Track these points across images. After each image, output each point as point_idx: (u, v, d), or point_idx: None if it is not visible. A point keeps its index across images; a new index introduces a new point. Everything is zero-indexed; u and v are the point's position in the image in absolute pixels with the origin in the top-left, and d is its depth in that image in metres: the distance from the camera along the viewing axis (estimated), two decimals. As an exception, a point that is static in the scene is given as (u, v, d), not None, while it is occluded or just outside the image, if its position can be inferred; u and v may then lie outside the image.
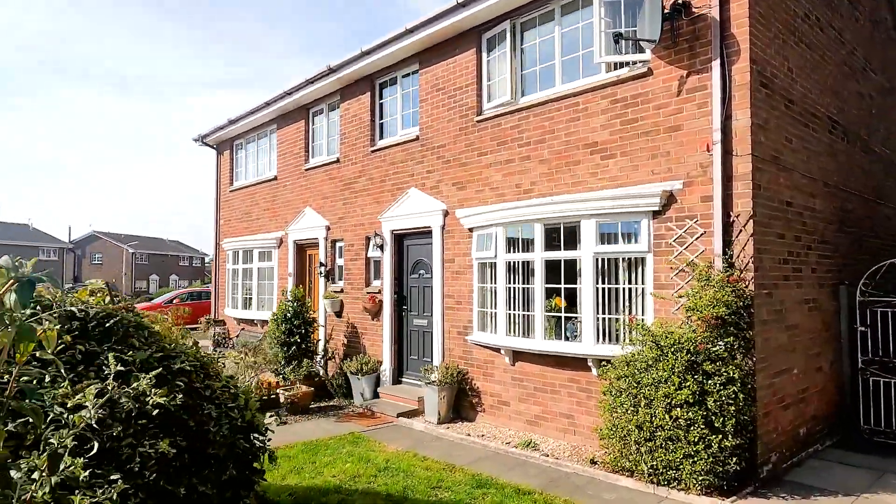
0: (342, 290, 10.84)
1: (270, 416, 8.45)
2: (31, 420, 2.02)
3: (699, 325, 5.42)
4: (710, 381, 5.18)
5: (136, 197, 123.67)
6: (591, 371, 6.67)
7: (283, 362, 9.81)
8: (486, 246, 7.95)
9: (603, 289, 6.66)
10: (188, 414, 3.99)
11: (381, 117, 10.40)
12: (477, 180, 8.32)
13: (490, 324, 7.94)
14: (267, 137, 13.77)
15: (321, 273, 11.21)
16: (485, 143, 8.22)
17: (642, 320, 6.15)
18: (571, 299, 6.93)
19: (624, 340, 6.21)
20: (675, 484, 5.34)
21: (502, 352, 7.74)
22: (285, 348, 9.85)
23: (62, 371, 3.09)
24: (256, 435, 4.60)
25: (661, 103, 6.29)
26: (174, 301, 22.98)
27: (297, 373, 9.51)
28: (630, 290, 6.51)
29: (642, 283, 6.42)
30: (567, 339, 6.98)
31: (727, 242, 5.70)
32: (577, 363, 6.88)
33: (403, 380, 9.65)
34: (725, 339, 5.38)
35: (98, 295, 4.38)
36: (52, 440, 2.47)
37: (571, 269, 6.93)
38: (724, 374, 5.17)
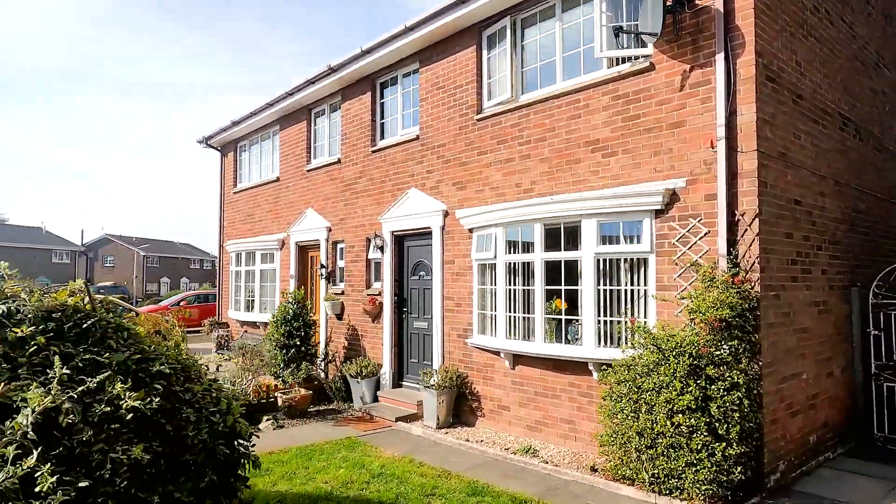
0: (343, 293, 10.71)
1: (267, 420, 8.33)
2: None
3: (702, 328, 5.21)
4: (713, 387, 4.96)
5: (149, 200, 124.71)
6: (592, 375, 6.47)
7: (281, 365, 9.69)
8: (486, 247, 7.78)
9: (604, 290, 6.46)
10: (166, 418, 3.85)
11: (382, 117, 10.27)
12: (477, 180, 8.15)
13: (490, 326, 7.76)
14: (270, 139, 13.70)
15: (322, 275, 11.09)
16: (485, 142, 8.05)
17: (644, 323, 5.95)
18: (573, 301, 6.73)
19: (624, 344, 6.00)
20: (678, 493, 5.12)
21: (502, 355, 7.56)
22: (284, 351, 9.72)
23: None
24: (241, 440, 4.46)
25: (663, 99, 6.10)
26: (181, 303, 22.98)
27: (295, 376, 9.38)
28: (632, 291, 6.31)
29: (644, 285, 6.21)
30: (568, 342, 6.78)
31: (732, 242, 5.49)
32: (577, 367, 6.68)
33: (404, 383, 9.48)
34: (730, 343, 5.16)
35: (78, 295, 4.26)
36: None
37: (572, 271, 6.74)
38: (728, 378, 4.96)
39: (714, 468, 4.89)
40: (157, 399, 3.79)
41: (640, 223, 6.20)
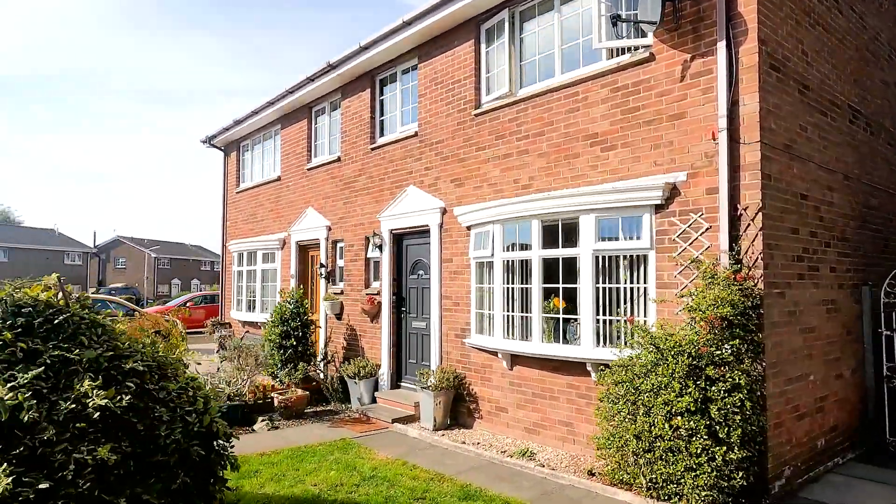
0: (342, 292, 10.57)
1: (262, 421, 8.20)
2: None
3: (702, 327, 5.00)
4: (713, 388, 4.75)
5: (162, 202, 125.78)
6: (591, 376, 6.26)
7: (278, 365, 9.56)
8: (483, 244, 7.60)
9: (603, 289, 6.25)
10: (138, 417, 3.71)
11: (382, 114, 10.13)
12: (475, 176, 7.98)
13: (488, 326, 7.58)
14: (272, 139, 13.62)
15: (321, 274, 10.96)
16: (483, 138, 7.88)
17: (644, 322, 5.74)
18: (571, 300, 6.53)
19: (621, 343, 5.79)
20: (676, 499, 4.90)
21: (500, 355, 7.37)
22: (281, 351, 9.60)
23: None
24: (222, 441, 4.32)
25: (663, 90, 5.89)
26: (187, 304, 23.00)
27: (292, 376, 9.25)
28: (631, 289, 6.10)
29: (644, 283, 6.00)
30: (566, 342, 6.58)
31: (734, 238, 5.27)
32: (575, 368, 6.47)
33: (402, 384, 9.32)
34: (731, 343, 4.94)
35: (52, 290, 4.14)
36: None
37: (571, 269, 6.54)
38: (729, 380, 4.73)
39: (714, 473, 4.67)
40: (128, 397, 3.66)
41: (639, 219, 5.99)
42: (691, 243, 5.58)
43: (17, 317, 3.78)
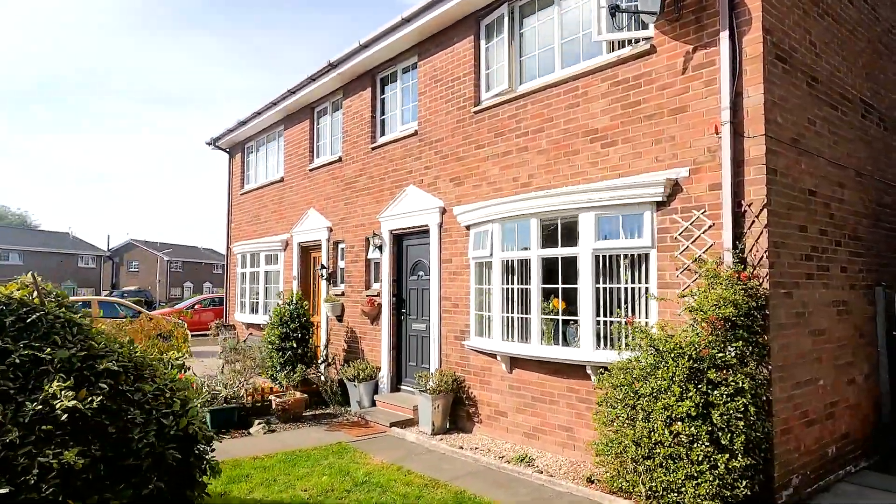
0: (343, 294, 10.44)
1: (259, 424, 8.06)
2: None
3: (703, 328, 4.78)
4: (715, 392, 4.53)
5: (175, 205, 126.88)
6: (591, 379, 6.05)
7: (277, 367, 9.44)
8: (482, 244, 7.42)
9: (603, 289, 6.05)
10: (110, 419, 3.58)
11: (383, 113, 10.00)
12: (474, 175, 7.81)
13: (487, 328, 7.39)
14: (276, 140, 13.56)
15: (322, 275, 10.84)
16: (482, 135, 7.72)
17: (646, 323, 5.54)
18: (572, 301, 6.33)
19: (622, 345, 5.58)
20: (678, 509, 4.68)
21: (498, 358, 7.18)
22: (280, 353, 9.48)
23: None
24: (203, 445, 4.18)
25: (665, 83, 5.69)
26: (195, 306, 23.02)
27: (290, 378, 9.12)
28: (632, 290, 5.89)
29: (646, 283, 5.79)
30: (566, 344, 6.38)
31: (738, 235, 5.05)
32: (575, 371, 6.27)
33: (402, 387, 9.15)
34: (734, 345, 4.72)
35: (28, 288, 4.03)
36: None
37: (570, 269, 6.34)
38: (732, 384, 4.51)
39: (717, 482, 4.45)
40: (100, 399, 3.53)
41: (640, 216, 5.79)
42: (694, 241, 5.37)
43: (-12, 315, 3.67)
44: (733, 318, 4.70)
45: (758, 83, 5.00)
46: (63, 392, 3.39)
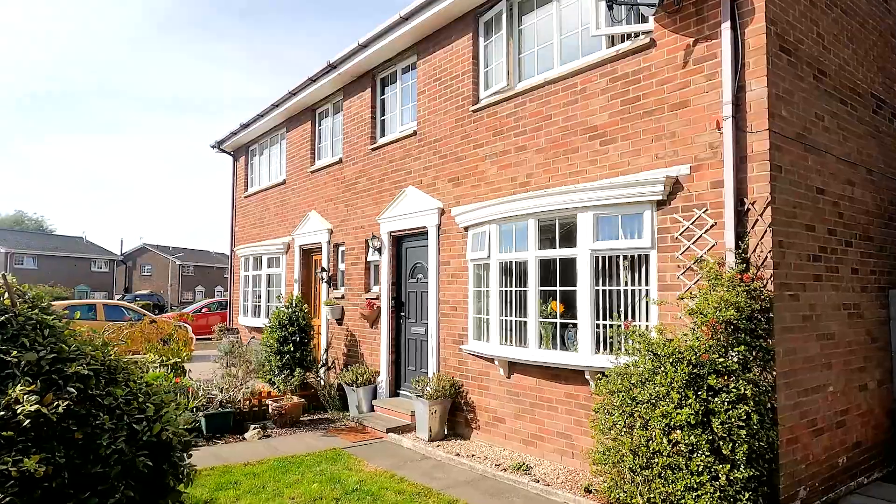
0: (343, 297, 10.30)
1: (254, 429, 7.92)
2: None
3: (703, 332, 4.56)
4: (716, 399, 4.30)
5: (188, 209, 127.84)
6: (590, 385, 5.84)
7: (275, 371, 9.31)
8: (480, 246, 7.24)
9: (602, 291, 5.85)
10: (77, 425, 3.45)
11: (383, 114, 9.87)
12: (473, 175, 7.64)
13: (485, 332, 7.20)
14: (278, 143, 13.49)
15: (322, 278, 10.71)
16: (480, 135, 7.55)
17: (646, 327, 5.33)
18: (571, 304, 6.13)
19: (619, 350, 5.37)
20: (677, 521, 4.45)
21: (496, 362, 6.98)
22: (279, 356, 9.35)
23: None
24: (180, 452, 4.03)
25: (665, 78, 5.49)
26: (202, 310, 23.06)
27: (288, 383, 8.99)
28: (632, 292, 5.68)
29: (646, 285, 5.58)
30: (565, 348, 6.18)
31: (741, 234, 4.83)
32: (574, 376, 6.07)
33: (401, 392, 8.98)
34: (736, 349, 4.50)
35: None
36: None
37: (569, 271, 6.14)
38: (734, 390, 4.29)
39: (718, 494, 4.22)
40: (66, 403, 3.40)
41: (640, 216, 5.58)
42: (695, 241, 5.15)
43: (-46, 316, 3.56)
44: (735, 322, 4.48)
45: (761, 76, 4.79)
46: (26, 396, 3.25)
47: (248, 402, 8.56)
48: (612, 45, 6.09)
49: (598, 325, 5.85)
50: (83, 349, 3.86)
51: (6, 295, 3.89)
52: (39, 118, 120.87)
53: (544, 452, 6.43)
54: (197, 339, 18.31)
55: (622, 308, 5.71)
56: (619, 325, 5.60)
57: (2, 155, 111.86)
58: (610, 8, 5.44)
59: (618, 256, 5.79)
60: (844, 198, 5.67)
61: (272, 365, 9.36)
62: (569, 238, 6.12)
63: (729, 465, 4.20)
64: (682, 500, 4.35)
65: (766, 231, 4.70)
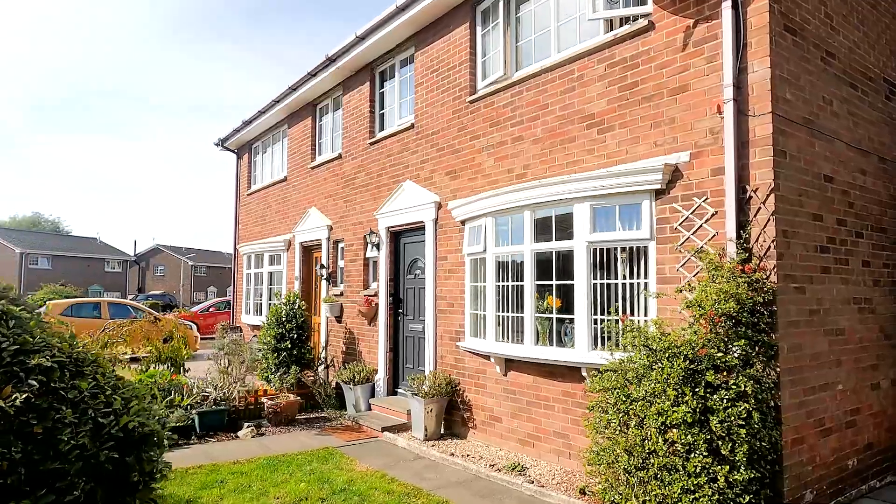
0: (342, 294, 10.14)
1: (248, 427, 7.77)
2: None
3: (702, 325, 4.33)
4: (714, 396, 4.07)
5: (201, 211, 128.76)
6: (587, 382, 5.62)
7: (272, 369, 9.17)
8: (476, 240, 7.04)
9: (600, 285, 5.62)
10: (38, 419, 3.30)
11: (382, 108, 9.70)
12: (469, 167, 7.44)
13: (481, 328, 7.00)
14: (280, 141, 13.38)
15: (322, 275, 10.56)
16: (477, 126, 7.35)
17: (644, 321, 5.09)
18: (569, 299, 5.90)
19: (613, 345, 5.13)
20: (674, 526, 4.22)
21: (492, 360, 6.77)
22: (275, 354, 9.21)
23: None
24: (154, 449, 3.87)
25: (664, 61, 5.26)
26: (210, 309, 23.06)
27: (284, 380, 8.84)
28: (631, 285, 5.45)
29: (645, 278, 5.34)
30: (562, 344, 5.96)
31: (742, 224, 4.58)
32: (570, 373, 5.84)
33: (399, 390, 8.80)
34: (737, 344, 4.25)
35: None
36: None
37: (566, 264, 5.92)
38: (733, 387, 4.05)
39: (717, 497, 3.98)
40: (25, 396, 3.25)
41: (638, 206, 5.35)
42: (695, 232, 4.91)
43: (-88, 307, 3.43)
44: (735, 315, 4.24)
45: (764, 56, 4.54)
46: (-21, 389, 3.11)
47: (243, 400, 8.42)
48: (611, 29, 5.86)
49: (595, 321, 5.62)
50: (49, 341, 3.72)
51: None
52: (55, 121, 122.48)
53: (541, 452, 6.21)
54: (203, 338, 18.29)
55: (620, 302, 5.48)
56: (617, 320, 5.37)
57: (20, 157, 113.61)
58: (606, -11, 5.22)
59: (615, 249, 5.56)
60: (855, 186, 5.40)
61: (269, 362, 9.23)
62: (565, 230, 5.90)
63: (728, 467, 3.96)
64: (679, 503, 4.12)
65: (768, 219, 4.45)
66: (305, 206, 11.59)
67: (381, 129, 9.62)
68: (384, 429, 7.61)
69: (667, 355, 4.23)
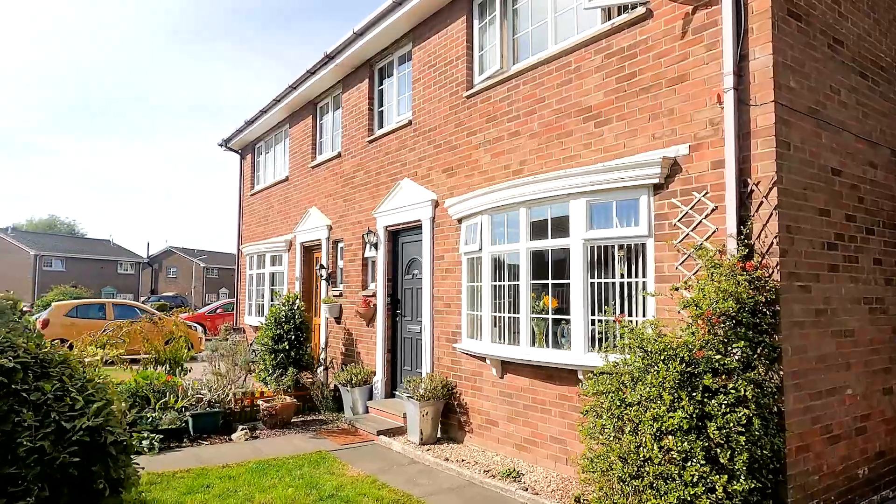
0: (341, 294, 9.99)
1: (243, 430, 7.64)
2: None
3: (699, 326, 4.10)
4: (712, 401, 3.84)
5: (215, 213, 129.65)
6: (581, 385, 5.40)
7: (269, 371, 9.04)
8: (473, 238, 6.85)
9: (598, 284, 5.41)
10: (-3, 423, 3.17)
11: (381, 105, 9.55)
12: (466, 164, 7.26)
13: (478, 329, 6.80)
14: (283, 141, 13.29)
15: (321, 276, 10.42)
16: (474, 121, 7.16)
17: (640, 321, 4.86)
18: (566, 299, 5.69)
19: (609, 346, 4.92)
20: (670, 538, 3.99)
21: (488, 362, 6.57)
22: (273, 355, 9.07)
23: None
24: (123, 454, 3.73)
25: (662, 50, 5.04)
26: (218, 310, 23.05)
27: (280, 382, 8.70)
28: (629, 285, 5.23)
29: (643, 276, 5.12)
30: (558, 345, 5.75)
31: (743, 219, 4.35)
32: (567, 376, 5.63)
33: (396, 393, 8.62)
34: (736, 345, 4.02)
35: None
36: None
37: (563, 263, 5.72)
38: (732, 391, 3.82)
39: (715, 508, 3.75)
40: (-18, 399, 3.14)
41: (635, 202, 5.13)
42: (694, 228, 4.68)
43: None
44: (734, 315, 4.01)
45: (766, 42, 4.31)
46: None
47: (239, 403, 8.29)
48: (609, 18, 5.65)
49: (592, 321, 5.41)
50: (14, 341, 3.59)
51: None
52: (72, 125, 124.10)
53: (538, 458, 6.00)
54: (210, 340, 18.25)
55: (618, 302, 5.26)
56: (611, 320, 5.15)
57: (37, 160, 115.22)
58: (600, -25, 5.01)
59: (613, 246, 5.34)
60: (865, 180, 5.14)
61: (266, 364, 9.10)
62: (561, 228, 5.69)
63: (727, 476, 3.72)
64: (676, 514, 3.89)
65: (771, 214, 4.22)
66: (306, 206, 11.46)
67: (381, 126, 9.47)
68: (380, 432, 7.43)
69: (662, 357, 4.00)
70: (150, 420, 7.27)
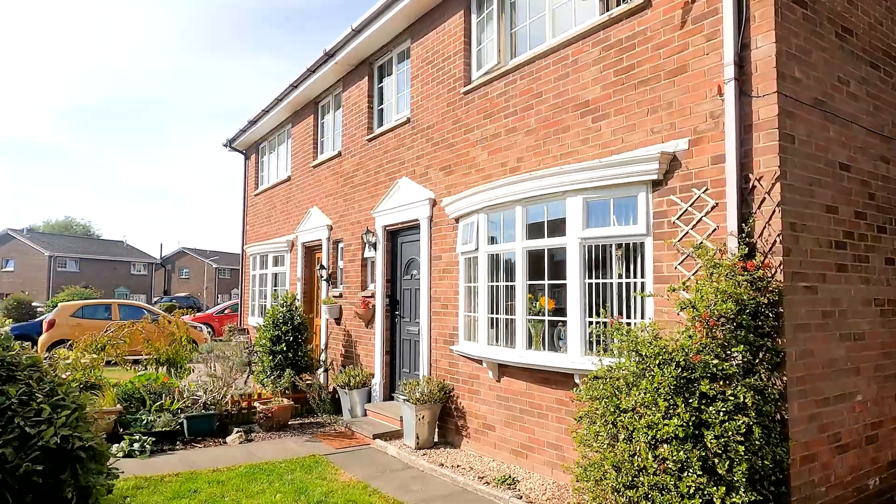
0: (341, 295, 9.86)
1: (238, 432, 7.52)
2: None
3: (697, 329, 3.89)
4: (710, 408, 3.63)
5: (226, 214, 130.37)
6: (576, 390, 5.19)
7: (267, 372, 8.92)
8: (469, 238, 6.67)
9: (595, 285, 5.21)
10: (-45, 429, 3.05)
11: (380, 103, 9.41)
12: (463, 162, 7.08)
13: (474, 331, 6.62)
14: (286, 141, 13.20)
15: (322, 276, 10.30)
16: (471, 118, 6.99)
17: (636, 324, 4.66)
18: (562, 300, 5.50)
19: (602, 349, 4.72)
20: (666, 552, 3.79)
21: (485, 364, 6.39)
22: (271, 357, 8.96)
23: None
24: (93, 461, 3.60)
25: (661, 41, 4.83)
26: (226, 311, 23.07)
27: (277, 384, 8.57)
28: (626, 285, 5.03)
29: (641, 277, 4.92)
30: (554, 348, 5.56)
31: (745, 216, 4.14)
32: (564, 380, 5.44)
33: (395, 395, 8.46)
34: (736, 349, 3.81)
35: None
36: None
37: (560, 264, 5.52)
38: (731, 398, 3.61)
39: (713, 522, 3.55)
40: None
41: (633, 199, 4.93)
42: (694, 226, 4.47)
43: None
44: (734, 317, 3.79)
45: (768, 30, 4.10)
46: None
47: (235, 405, 8.19)
48: (607, 9, 5.45)
49: (589, 323, 5.21)
50: (-20, 343, 3.48)
51: None
52: (91, 126, 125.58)
53: (534, 464, 5.80)
54: (216, 340, 18.24)
55: (615, 303, 5.06)
56: (606, 322, 4.94)
57: (58, 163, 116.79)
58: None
59: (610, 245, 5.14)
60: (877, 176, 4.89)
61: (264, 365, 8.99)
62: (558, 227, 5.50)
63: (725, 488, 3.52)
64: (671, 528, 3.69)
65: (774, 211, 4.00)
66: (307, 206, 11.35)
67: (380, 124, 9.33)
68: (376, 436, 7.28)
69: (657, 362, 3.80)
70: (144, 422, 7.18)
